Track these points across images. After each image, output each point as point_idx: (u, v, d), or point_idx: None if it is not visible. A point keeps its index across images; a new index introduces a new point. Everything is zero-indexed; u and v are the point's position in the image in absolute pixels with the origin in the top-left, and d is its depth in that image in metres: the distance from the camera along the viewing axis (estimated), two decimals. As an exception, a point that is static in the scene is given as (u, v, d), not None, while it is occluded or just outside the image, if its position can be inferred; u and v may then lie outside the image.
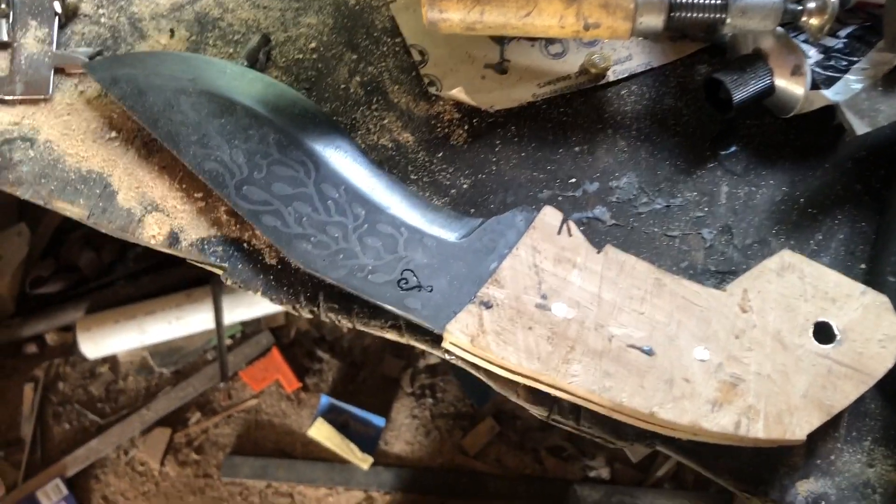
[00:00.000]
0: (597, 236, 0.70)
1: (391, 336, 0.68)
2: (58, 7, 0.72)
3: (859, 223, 0.71)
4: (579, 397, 0.63)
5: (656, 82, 0.75)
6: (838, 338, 0.62)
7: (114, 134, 0.71)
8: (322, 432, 1.74)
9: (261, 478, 1.77)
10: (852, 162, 0.73)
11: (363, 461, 1.74)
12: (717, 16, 0.66)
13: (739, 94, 0.69)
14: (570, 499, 1.74)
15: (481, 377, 0.67)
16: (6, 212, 1.83)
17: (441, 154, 0.72)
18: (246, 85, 0.69)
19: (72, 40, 0.73)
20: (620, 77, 0.75)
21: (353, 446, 1.73)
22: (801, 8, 0.66)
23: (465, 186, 0.71)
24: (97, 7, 0.75)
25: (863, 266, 0.70)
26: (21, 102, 0.71)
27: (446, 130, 0.73)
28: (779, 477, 0.65)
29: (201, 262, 0.69)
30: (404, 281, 0.64)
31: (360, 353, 1.89)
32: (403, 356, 1.87)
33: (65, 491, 1.74)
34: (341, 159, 0.68)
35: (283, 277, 0.68)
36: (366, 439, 1.77)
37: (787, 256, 0.64)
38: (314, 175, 0.67)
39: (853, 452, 0.65)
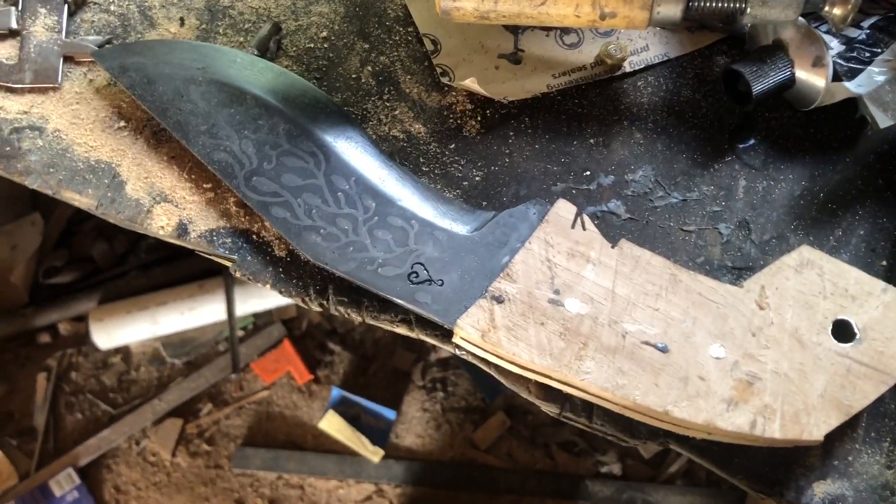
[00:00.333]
0: (611, 230, 0.69)
1: (401, 331, 0.67)
2: (67, -6, 0.72)
3: (881, 219, 0.69)
4: (592, 395, 0.62)
5: (674, 73, 0.74)
6: (858, 336, 0.61)
7: (123, 123, 0.70)
8: (333, 425, 1.73)
9: (272, 469, 1.77)
10: (874, 156, 0.71)
11: (374, 454, 1.73)
12: (737, 5, 0.64)
13: (759, 86, 0.67)
14: (581, 494, 1.73)
15: (492, 373, 0.66)
16: (20, 202, 1.83)
17: (453, 145, 0.71)
18: (256, 74, 0.68)
19: (81, 28, 0.73)
20: (637, 68, 0.73)
21: (363, 439, 1.73)
22: (823, -2, 0.64)
23: (477, 178, 0.70)
24: (107, -5, 0.74)
25: (884, 263, 0.68)
26: (30, 91, 0.70)
27: (459, 121, 0.72)
28: (795, 478, 0.63)
29: (210, 254, 0.68)
30: (415, 274, 0.63)
31: (372, 346, 1.88)
32: (415, 349, 1.86)
33: (77, 480, 1.74)
34: (352, 150, 0.67)
35: (292, 270, 0.68)
36: (377, 432, 1.76)
37: (805, 252, 0.63)
38: (324, 166, 0.66)
39: (872, 454, 0.64)
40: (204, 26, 0.73)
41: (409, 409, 1.83)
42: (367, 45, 0.74)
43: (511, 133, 0.71)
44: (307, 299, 0.67)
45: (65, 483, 1.73)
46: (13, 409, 1.81)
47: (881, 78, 0.67)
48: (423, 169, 0.70)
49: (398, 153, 0.71)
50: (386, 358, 1.87)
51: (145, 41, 0.71)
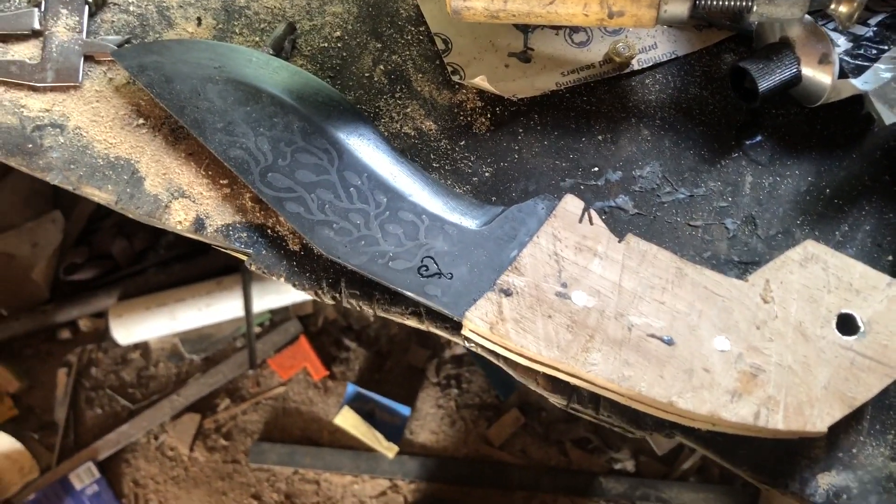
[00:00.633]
0: (619, 225, 0.70)
1: (411, 323, 0.68)
2: (88, -5, 0.74)
3: (887, 214, 0.70)
4: (598, 386, 0.63)
5: (681, 71, 0.75)
6: (862, 329, 0.62)
7: (141, 121, 0.72)
8: (348, 420, 1.75)
9: (288, 464, 1.79)
10: (881, 152, 0.72)
11: (388, 450, 1.75)
12: (744, 3, 0.65)
13: (765, 83, 0.68)
14: (594, 491, 1.74)
15: (501, 365, 0.67)
16: (41, 199, 1.86)
17: (463, 142, 0.72)
18: (271, 73, 0.70)
19: (101, 28, 0.74)
20: (645, 66, 0.74)
21: (378, 435, 1.74)
22: (829, -5, 0.65)
23: (486, 174, 0.71)
24: (126, -5, 0.76)
25: (890, 258, 0.69)
26: (52, 90, 0.72)
27: (469, 119, 0.73)
28: (799, 469, 0.64)
29: (226, 248, 0.70)
30: (425, 268, 0.65)
31: (387, 343, 1.89)
32: (429, 346, 1.87)
33: (97, 474, 1.76)
34: (364, 147, 0.69)
35: (305, 263, 0.69)
36: (391, 428, 1.78)
37: (810, 247, 0.64)
38: (337, 162, 0.68)
39: (876, 446, 0.65)
40: (220, 26, 0.75)
41: (423, 405, 1.85)
42: (379, 45, 0.75)
43: (520, 130, 0.73)
44: (320, 292, 0.69)
45: (85, 476, 1.76)
46: (34, 403, 1.84)
47: (888, 75, 0.68)
48: (434, 165, 0.72)
49: (409, 150, 0.72)
50: (401, 354, 1.88)
51: (163, 41, 0.73)
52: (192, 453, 1.82)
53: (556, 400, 0.67)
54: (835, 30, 0.72)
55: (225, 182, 0.70)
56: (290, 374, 1.86)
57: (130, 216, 0.70)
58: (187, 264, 1.90)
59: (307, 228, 0.66)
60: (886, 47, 0.70)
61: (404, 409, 1.80)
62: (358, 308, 0.69)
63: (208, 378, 1.85)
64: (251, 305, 1.84)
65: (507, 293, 0.63)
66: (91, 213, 1.90)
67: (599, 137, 0.72)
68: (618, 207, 0.71)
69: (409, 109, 0.73)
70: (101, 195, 0.70)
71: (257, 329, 1.90)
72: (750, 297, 0.63)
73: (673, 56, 0.75)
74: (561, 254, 0.64)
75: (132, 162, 0.71)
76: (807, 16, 0.68)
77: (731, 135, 0.72)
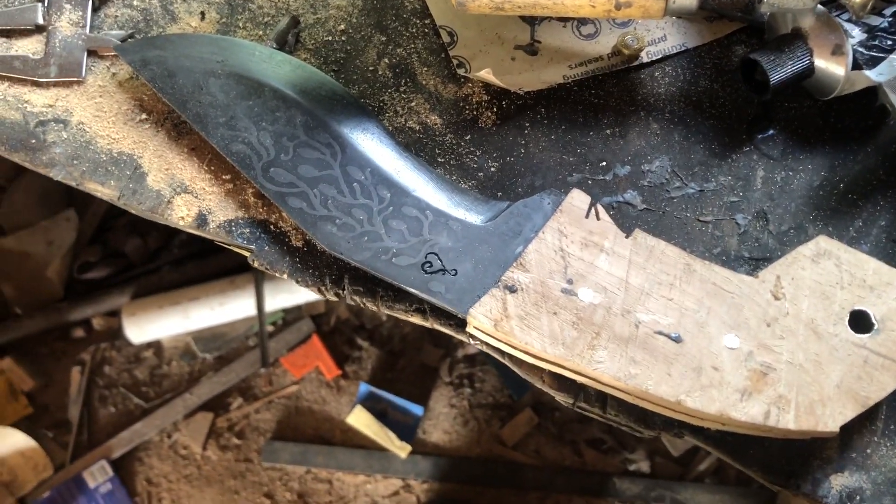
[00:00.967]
0: (627, 221, 0.69)
1: (415, 320, 0.67)
2: (91, -10, 0.73)
3: (902, 209, 0.68)
4: (605, 384, 0.62)
5: (691, 63, 0.73)
6: (876, 327, 0.60)
7: (144, 116, 0.71)
8: (361, 420, 1.74)
9: (300, 464, 1.78)
10: (896, 146, 0.70)
11: (401, 449, 1.74)
12: (754, -6, 0.64)
13: (777, 76, 0.67)
14: (609, 492, 1.73)
15: (506, 362, 0.66)
16: (55, 198, 1.87)
17: (469, 137, 0.71)
18: (274, 67, 0.69)
19: (105, 23, 0.74)
20: (654, 58, 0.73)
21: (391, 434, 1.73)
22: (842, -15, 0.63)
23: (492, 169, 0.70)
24: (130, -10, 0.75)
25: (905, 254, 0.67)
26: (55, 85, 0.72)
27: (474, 113, 0.72)
28: (811, 470, 0.63)
29: (228, 244, 0.69)
30: (428, 264, 0.64)
31: (399, 342, 1.89)
32: (442, 345, 1.86)
33: (110, 472, 1.77)
34: (368, 142, 0.68)
35: (308, 260, 0.68)
36: (404, 427, 1.77)
37: (822, 243, 0.62)
38: (340, 157, 0.67)
39: (891, 446, 0.63)
40: (224, 20, 0.74)
41: (436, 404, 1.84)
42: (384, 38, 0.74)
43: (527, 124, 0.72)
44: (323, 288, 0.68)
45: (98, 475, 1.76)
46: (48, 401, 1.85)
47: (903, 66, 0.66)
48: (439, 160, 0.71)
49: (414, 144, 0.71)
50: (413, 354, 1.87)
51: (166, 35, 0.72)
52: (204, 452, 1.82)
53: (562, 398, 0.66)
54: (849, 20, 0.70)
55: (227, 177, 0.70)
56: (303, 373, 1.86)
57: (133, 212, 0.70)
58: (200, 263, 1.90)
59: (310, 224, 0.65)
60: (902, 38, 0.68)
61: (417, 409, 1.79)
62: (361, 305, 0.68)
63: (221, 377, 1.85)
64: (264, 304, 1.84)
65: (511, 290, 0.62)
66: (105, 212, 1.91)
67: (608, 131, 0.71)
68: (626, 202, 0.69)
69: (413, 103, 0.72)
70: (103, 191, 0.70)
71: (270, 328, 1.90)
72: (760, 294, 0.61)
73: (683, 48, 0.73)
74: (567, 250, 0.63)
75: (135, 157, 0.70)
76: (820, 6, 0.66)
77: (743, 128, 0.71)
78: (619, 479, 1.73)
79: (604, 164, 0.70)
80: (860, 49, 0.68)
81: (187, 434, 1.82)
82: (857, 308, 0.61)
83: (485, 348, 0.65)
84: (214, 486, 1.79)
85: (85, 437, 1.82)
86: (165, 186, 0.70)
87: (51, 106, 0.71)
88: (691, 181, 0.70)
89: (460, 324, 0.65)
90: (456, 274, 0.63)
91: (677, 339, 0.60)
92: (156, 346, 1.90)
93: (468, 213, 0.66)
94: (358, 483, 1.78)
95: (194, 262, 1.91)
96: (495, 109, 0.72)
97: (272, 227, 0.69)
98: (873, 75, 0.65)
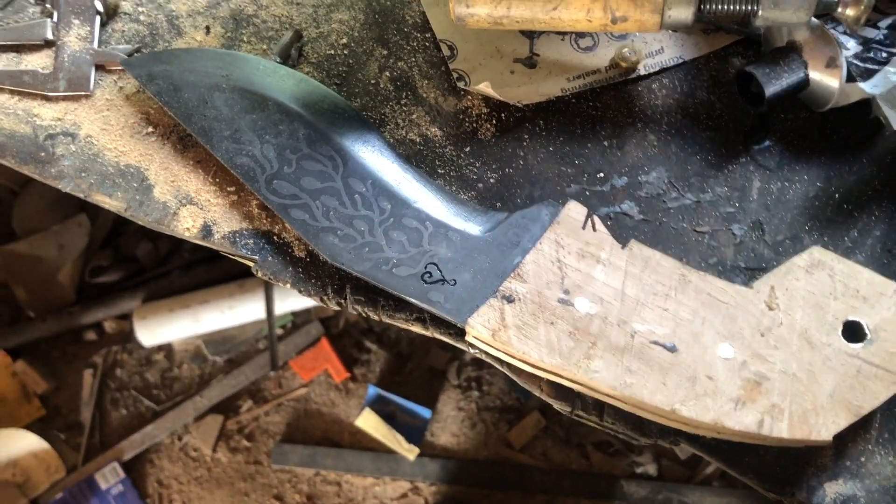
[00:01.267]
0: (624, 231, 0.70)
1: (416, 329, 0.69)
2: (99, 6, 0.75)
3: (897, 220, 0.69)
4: (601, 393, 0.63)
5: (689, 76, 0.74)
6: (869, 337, 0.61)
7: (151, 129, 0.73)
8: (369, 422, 1.76)
9: (309, 466, 1.80)
10: (892, 157, 0.71)
11: (409, 452, 1.75)
12: (749, 7, 0.65)
13: (771, 88, 0.68)
14: (616, 494, 1.73)
15: (505, 371, 0.67)
16: (67, 203, 1.89)
17: (468, 148, 0.72)
18: (278, 81, 0.71)
19: (112, 38, 0.76)
20: (652, 71, 0.74)
21: (399, 437, 1.75)
22: (836, -1, 0.64)
23: (492, 181, 0.71)
24: (137, 5, 0.77)
25: (900, 264, 0.68)
26: (64, 99, 0.74)
27: (474, 125, 0.73)
28: (806, 477, 0.64)
29: (233, 255, 0.71)
30: (428, 274, 0.65)
31: (408, 345, 1.90)
32: (450, 348, 1.88)
33: (122, 474, 1.79)
34: (369, 154, 0.69)
35: (311, 270, 0.70)
36: (412, 430, 1.78)
37: (816, 253, 0.63)
38: (342, 169, 0.68)
39: (885, 455, 0.64)
40: (229, 34, 0.76)
41: (444, 407, 1.85)
42: (385, 52, 0.75)
43: (525, 136, 0.73)
44: (325, 298, 0.69)
45: (110, 476, 1.78)
46: (61, 404, 1.87)
47: (897, 78, 0.67)
48: (439, 171, 0.72)
49: (415, 156, 0.72)
50: (421, 357, 1.89)
51: (172, 50, 0.74)
52: (214, 454, 1.83)
53: (560, 406, 0.67)
54: (845, 33, 0.71)
55: (232, 189, 0.71)
56: (312, 375, 1.87)
57: (140, 223, 0.71)
58: (210, 267, 1.92)
59: (312, 235, 0.67)
60: (897, 50, 0.69)
61: (425, 412, 1.81)
62: (363, 314, 0.69)
63: (231, 379, 1.87)
64: (273, 307, 1.86)
65: (509, 300, 0.63)
66: (116, 217, 1.93)
67: (605, 143, 0.72)
68: (623, 213, 0.70)
69: (414, 116, 0.73)
70: (111, 202, 0.71)
71: (279, 331, 1.91)
72: (754, 304, 0.62)
73: (680, 61, 0.74)
74: (564, 260, 0.64)
75: (142, 170, 0.72)
76: (815, 19, 0.67)
77: (739, 139, 0.72)
78: (626, 481, 1.74)
79: (601, 175, 0.71)
80: (855, 61, 0.69)
81: (198, 436, 1.84)
82: (850, 318, 0.61)
83: (484, 357, 0.67)
84: (224, 488, 1.81)
85: (97, 439, 1.84)
86: (171, 198, 0.71)
87: (59, 119, 0.73)
88: (688, 192, 0.70)
89: (460, 333, 0.66)
90: (455, 284, 0.65)
91: (672, 349, 0.61)
92: (167, 349, 1.92)
93: (467, 224, 0.67)
94: (366, 485, 1.80)
95: (204, 266, 1.92)
96: (494, 122, 0.73)
97: (275, 237, 0.70)
98: (868, 87, 0.66)
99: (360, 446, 1.82)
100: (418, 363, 1.88)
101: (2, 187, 1.93)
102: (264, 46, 0.75)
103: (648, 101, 0.73)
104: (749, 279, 0.68)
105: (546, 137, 0.72)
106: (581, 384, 0.62)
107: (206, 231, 0.70)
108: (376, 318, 0.69)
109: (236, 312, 1.86)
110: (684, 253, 0.69)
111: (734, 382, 0.60)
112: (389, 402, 1.81)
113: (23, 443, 1.76)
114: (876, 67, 0.68)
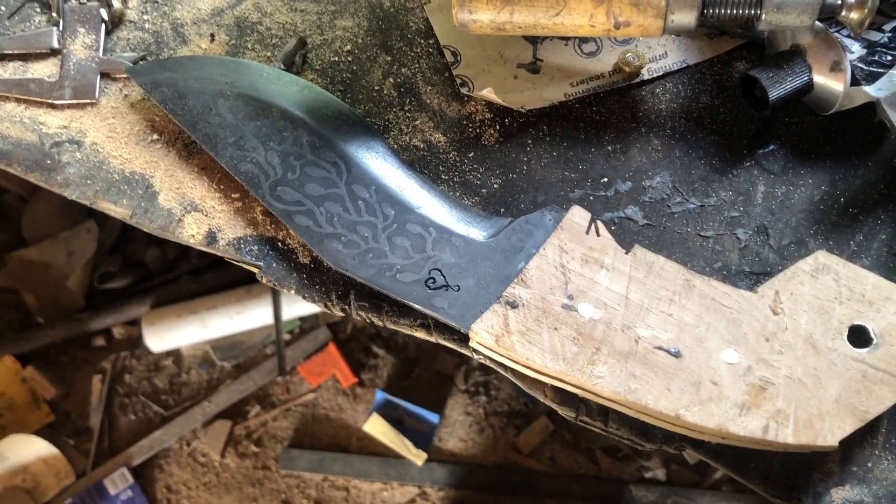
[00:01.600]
0: (628, 236, 0.69)
1: (420, 335, 0.69)
2: (104, 14, 0.75)
3: (903, 223, 0.68)
4: (605, 399, 0.62)
5: (692, 80, 0.74)
6: (875, 342, 0.61)
7: (156, 136, 0.73)
8: (377, 427, 1.76)
9: (317, 471, 1.80)
10: (897, 160, 0.70)
11: (417, 457, 1.75)
12: (752, 12, 0.65)
13: (775, 92, 0.67)
14: (625, 499, 1.73)
15: (509, 376, 0.67)
16: (76, 210, 1.90)
17: (472, 154, 0.72)
18: (282, 88, 0.71)
19: (117, 46, 0.76)
20: (655, 75, 0.74)
21: (407, 442, 1.75)
22: (840, 2, 0.64)
23: (495, 186, 0.71)
24: (142, 13, 0.77)
25: (906, 268, 0.68)
26: (69, 106, 0.74)
27: (478, 130, 0.73)
28: (812, 483, 0.63)
29: (238, 261, 0.71)
30: (432, 280, 0.65)
31: (415, 350, 1.90)
32: (457, 353, 1.87)
33: (130, 479, 1.79)
34: (373, 160, 0.69)
35: (315, 276, 0.70)
36: (420, 435, 1.78)
37: (821, 257, 0.63)
38: (346, 176, 0.68)
39: (892, 460, 0.64)
40: (233, 42, 0.76)
41: (452, 412, 1.85)
42: (389, 58, 0.76)
43: (529, 141, 0.73)
44: (329, 304, 0.69)
45: (119, 482, 1.79)
46: (70, 409, 1.88)
47: (902, 81, 0.66)
48: (443, 177, 0.72)
49: (418, 162, 0.72)
50: (429, 361, 1.88)
51: (176, 58, 0.74)
52: (223, 459, 1.84)
53: (564, 412, 0.67)
54: (849, 36, 0.71)
55: (236, 196, 0.71)
56: (320, 380, 1.88)
57: (145, 230, 0.72)
58: (218, 272, 1.93)
59: (316, 241, 0.67)
60: (902, 53, 0.69)
61: (433, 417, 1.81)
62: (367, 320, 0.69)
63: (239, 385, 1.87)
64: (281, 313, 1.86)
65: (513, 305, 0.63)
66: (124, 223, 1.93)
67: (609, 148, 0.72)
68: (627, 218, 0.70)
69: (418, 122, 0.74)
70: (116, 209, 0.71)
71: (287, 336, 1.92)
72: (759, 309, 0.62)
73: (683, 65, 0.74)
74: (567, 266, 0.64)
75: (147, 177, 0.72)
76: (819, 23, 0.67)
77: (743, 144, 0.72)
78: (634, 486, 1.73)
79: (605, 180, 0.71)
80: (860, 65, 0.68)
81: (206, 442, 1.85)
82: (855, 323, 0.61)
83: (488, 363, 0.67)
84: (233, 494, 1.81)
85: (106, 445, 1.85)
86: (176, 205, 0.71)
87: (65, 127, 0.73)
88: (692, 196, 0.70)
89: (464, 338, 0.66)
90: (459, 290, 0.65)
91: (676, 354, 0.61)
92: (175, 354, 1.93)
93: (471, 230, 0.67)
94: (375, 490, 1.80)
95: (212, 272, 1.93)
96: (498, 127, 0.73)
97: (280, 244, 0.70)
98: (872, 91, 0.66)
99: (367, 451, 1.82)
100: (426, 368, 1.88)
101: (11, 194, 1.95)
102: (268, 54, 0.76)
103: (652, 106, 0.73)
104: (754, 284, 0.67)
105: (550, 143, 0.72)
106: (585, 390, 0.62)
107: (211, 238, 0.71)
108: (380, 324, 0.69)
109: (244, 318, 1.86)
110: (688, 258, 0.69)
111: (739, 388, 0.60)
112: (397, 406, 1.81)
113: (32, 448, 1.77)
114: (880, 71, 0.68)
